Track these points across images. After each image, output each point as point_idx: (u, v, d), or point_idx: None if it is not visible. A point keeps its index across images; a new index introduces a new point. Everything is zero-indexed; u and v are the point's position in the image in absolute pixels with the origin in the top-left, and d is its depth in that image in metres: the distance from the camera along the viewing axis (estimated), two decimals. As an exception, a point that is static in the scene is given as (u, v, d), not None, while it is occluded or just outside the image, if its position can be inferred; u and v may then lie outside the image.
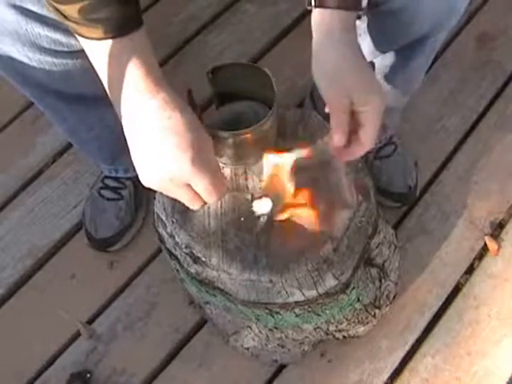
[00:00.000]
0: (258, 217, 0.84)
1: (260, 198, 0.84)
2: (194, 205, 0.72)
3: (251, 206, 0.84)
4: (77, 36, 0.67)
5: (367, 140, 0.77)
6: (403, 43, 0.99)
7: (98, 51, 0.66)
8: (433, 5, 0.88)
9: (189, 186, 0.69)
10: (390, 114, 1.19)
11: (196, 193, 0.71)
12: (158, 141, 0.67)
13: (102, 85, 0.69)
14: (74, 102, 1.02)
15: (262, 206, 0.84)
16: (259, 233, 0.85)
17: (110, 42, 0.65)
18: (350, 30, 0.76)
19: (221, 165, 0.88)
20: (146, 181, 0.70)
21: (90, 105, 1.05)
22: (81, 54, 0.87)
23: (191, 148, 0.67)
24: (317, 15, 0.76)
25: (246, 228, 0.86)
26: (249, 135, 0.81)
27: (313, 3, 0.75)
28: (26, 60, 0.87)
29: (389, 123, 1.22)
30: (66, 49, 0.86)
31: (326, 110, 0.77)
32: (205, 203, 0.73)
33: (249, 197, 0.88)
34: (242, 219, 0.86)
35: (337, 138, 0.76)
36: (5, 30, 0.81)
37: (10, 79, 0.95)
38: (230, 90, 0.88)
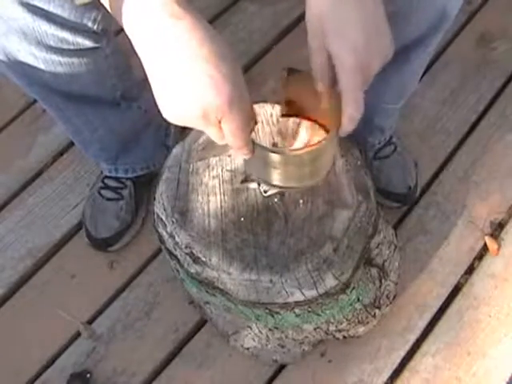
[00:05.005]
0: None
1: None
2: (220, 141, 0.68)
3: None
4: None
5: (346, 91, 0.66)
6: (396, 48, 0.99)
7: None
8: (424, 9, 0.88)
9: (219, 124, 0.65)
10: (386, 115, 1.19)
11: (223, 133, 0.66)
12: (190, 72, 0.61)
13: (114, 17, 0.64)
14: (79, 103, 1.02)
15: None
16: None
17: None
18: None
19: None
20: (173, 117, 0.65)
21: (95, 106, 1.05)
22: (86, 52, 0.88)
23: (227, 82, 0.61)
24: None
25: (246, 228, 0.86)
26: (305, 155, 0.72)
27: None
28: (32, 58, 0.87)
29: (385, 125, 1.22)
30: (72, 47, 0.86)
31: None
32: None
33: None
34: (242, 219, 0.86)
35: (320, 85, 0.69)
36: (11, 28, 0.82)
37: (15, 79, 0.95)
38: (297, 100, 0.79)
